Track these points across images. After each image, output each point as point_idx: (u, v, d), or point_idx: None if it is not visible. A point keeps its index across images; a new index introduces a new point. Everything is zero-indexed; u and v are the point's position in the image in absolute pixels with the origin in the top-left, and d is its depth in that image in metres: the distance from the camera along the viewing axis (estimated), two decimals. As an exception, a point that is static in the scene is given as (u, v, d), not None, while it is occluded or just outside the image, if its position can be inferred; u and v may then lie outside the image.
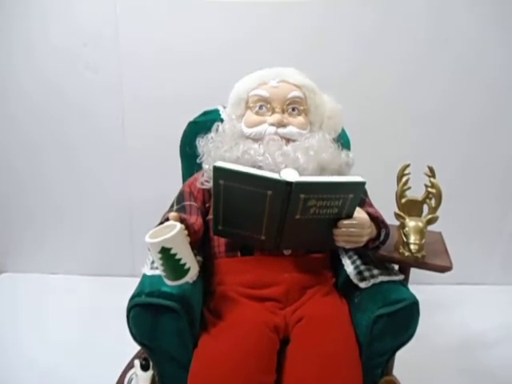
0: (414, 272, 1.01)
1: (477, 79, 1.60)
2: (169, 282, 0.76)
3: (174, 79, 1.60)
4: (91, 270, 1.86)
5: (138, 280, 0.90)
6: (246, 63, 1.06)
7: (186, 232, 0.78)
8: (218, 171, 0.77)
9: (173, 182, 1.19)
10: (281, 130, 0.94)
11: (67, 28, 1.56)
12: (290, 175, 0.76)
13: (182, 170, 1.22)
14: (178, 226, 0.74)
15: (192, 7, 1.53)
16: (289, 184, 0.74)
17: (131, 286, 1.01)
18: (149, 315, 0.80)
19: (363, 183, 0.78)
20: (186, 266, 0.75)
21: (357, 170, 0.97)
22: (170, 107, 1.61)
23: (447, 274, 0.96)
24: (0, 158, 1.74)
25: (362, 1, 1.52)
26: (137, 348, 1.29)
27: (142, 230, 1.73)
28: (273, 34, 1.54)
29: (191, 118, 1.20)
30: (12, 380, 1.28)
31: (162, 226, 0.77)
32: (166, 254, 0.72)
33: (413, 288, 0.90)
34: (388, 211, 0.97)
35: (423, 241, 0.93)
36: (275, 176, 0.75)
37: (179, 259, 0.74)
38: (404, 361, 1.08)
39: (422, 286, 1.12)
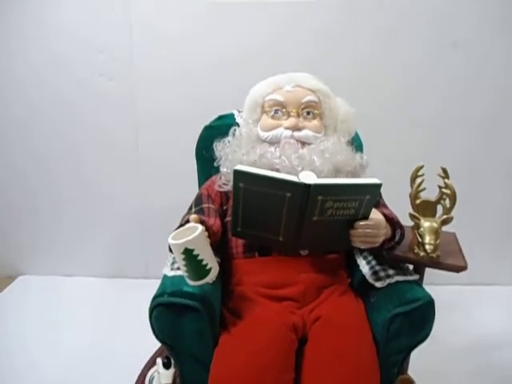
0: (427, 273, 1.02)
1: (486, 80, 1.61)
2: (191, 282, 0.78)
3: (187, 88, 1.62)
4: (105, 272, 1.89)
5: (151, 282, 0.92)
6: (258, 70, 1.08)
7: (207, 233, 0.80)
8: (239, 174, 0.79)
9: (184, 187, 1.21)
10: (296, 134, 0.96)
11: (82, 38, 1.59)
12: (308, 177, 0.77)
13: (198, 173, 1.24)
14: (200, 227, 0.76)
15: (205, 14, 1.55)
16: (307, 186, 0.76)
17: (145, 287, 1.04)
18: (171, 315, 0.82)
19: (380, 185, 0.79)
20: (208, 267, 0.77)
21: (370, 172, 0.99)
22: (183, 116, 1.63)
23: (460, 274, 0.97)
24: (16, 164, 1.78)
25: (371, 4, 1.54)
26: (152, 349, 1.33)
27: (155, 232, 1.76)
28: (283, 40, 1.56)
29: (206, 124, 1.23)
30: (31, 379, 1.30)
31: (183, 228, 0.79)
32: (188, 254, 0.75)
33: (426, 289, 0.91)
34: (401, 212, 0.98)
35: (438, 241, 0.94)
36: (294, 178, 0.77)
37: (201, 260, 0.76)
38: (418, 361, 1.09)
39: (434, 286, 1.13)
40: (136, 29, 1.58)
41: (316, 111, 0.99)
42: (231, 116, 1.19)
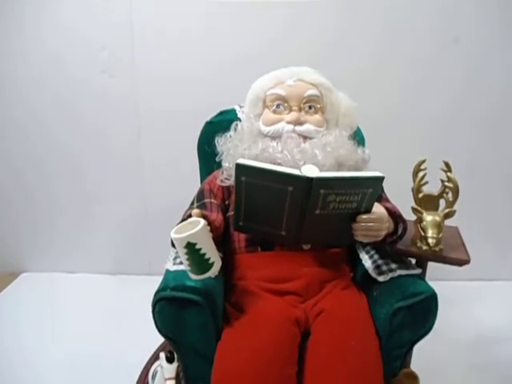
0: (429, 268, 1.02)
1: (488, 77, 1.61)
2: (193, 277, 0.78)
3: (188, 87, 1.62)
4: (108, 268, 1.89)
5: (154, 278, 0.93)
6: (259, 69, 1.07)
7: (209, 228, 0.80)
8: (240, 168, 0.79)
9: (186, 183, 1.21)
10: (298, 128, 0.96)
11: (83, 38, 1.59)
12: (310, 171, 0.77)
13: (200, 169, 1.24)
14: (202, 221, 0.76)
15: (205, 13, 1.55)
16: (309, 180, 0.75)
17: (148, 283, 1.04)
18: (174, 309, 0.83)
19: (382, 178, 0.79)
20: (211, 261, 0.77)
21: (372, 166, 0.98)
22: (184, 115, 1.63)
23: (462, 269, 0.97)
24: (17, 164, 1.78)
25: (372, 3, 1.53)
26: (155, 344, 1.33)
27: (158, 228, 1.76)
28: (284, 40, 1.56)
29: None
30: (33, 376, 1.31)
31: (185, 222, 0.79)
32: (191, 248, 0.75)
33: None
34: (403, 206, 0.98)
35: (441, 235, 0.94)
36: (296, 172, 0.77)
37: (204, 254, 0.76)
38: (420, 355, 1.09)
39: (436, 282, 1.14)
40: (137, 28, 1.58)
41: (318, 105, 0.99)
42: (232, 111, 1.19)
